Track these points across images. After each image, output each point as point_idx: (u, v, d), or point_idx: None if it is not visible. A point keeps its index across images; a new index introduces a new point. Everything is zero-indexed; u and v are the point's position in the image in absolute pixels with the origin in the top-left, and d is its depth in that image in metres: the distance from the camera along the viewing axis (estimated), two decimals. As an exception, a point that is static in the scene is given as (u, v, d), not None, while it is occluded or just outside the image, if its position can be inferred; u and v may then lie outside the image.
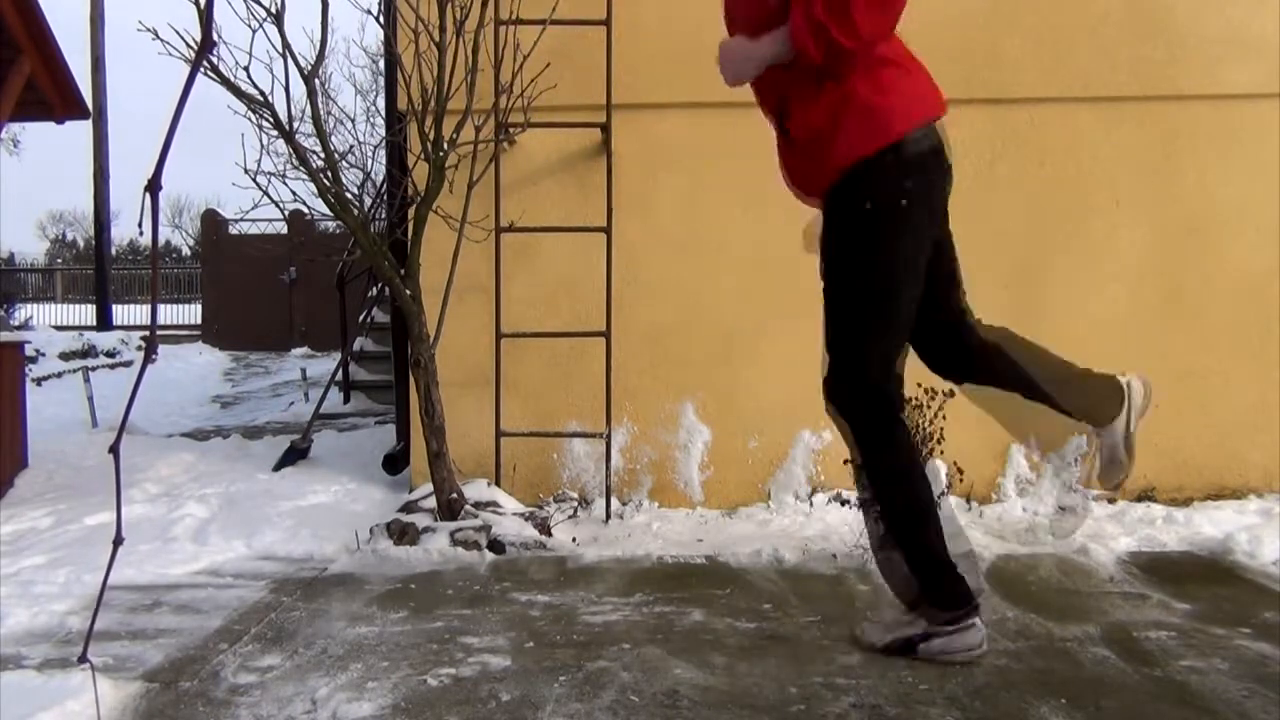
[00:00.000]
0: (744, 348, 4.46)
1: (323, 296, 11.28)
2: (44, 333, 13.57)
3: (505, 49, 4.07)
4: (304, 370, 11.12)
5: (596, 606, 3.06)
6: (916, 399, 3.73)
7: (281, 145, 4.06)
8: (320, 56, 3.93)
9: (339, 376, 8.00)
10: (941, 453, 3.83)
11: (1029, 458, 4.42)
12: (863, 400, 2.51)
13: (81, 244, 34.01)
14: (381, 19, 4.43)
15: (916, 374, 3.76)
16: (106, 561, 1.51)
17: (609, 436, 4.33)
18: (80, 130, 18.16)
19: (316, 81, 3.92)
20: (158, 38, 3.81)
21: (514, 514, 4.01)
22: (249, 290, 15.66)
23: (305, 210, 11.82)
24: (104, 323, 16.44)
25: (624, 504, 4.38)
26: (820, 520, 4.11)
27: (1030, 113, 4.44)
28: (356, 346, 8.54)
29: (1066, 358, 2.69)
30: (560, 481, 4.48)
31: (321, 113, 3.98)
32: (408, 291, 3.99)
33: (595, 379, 4.36)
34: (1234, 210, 4.43)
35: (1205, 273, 4.44)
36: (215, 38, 3.37)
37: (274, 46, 3.77)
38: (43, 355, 11.33)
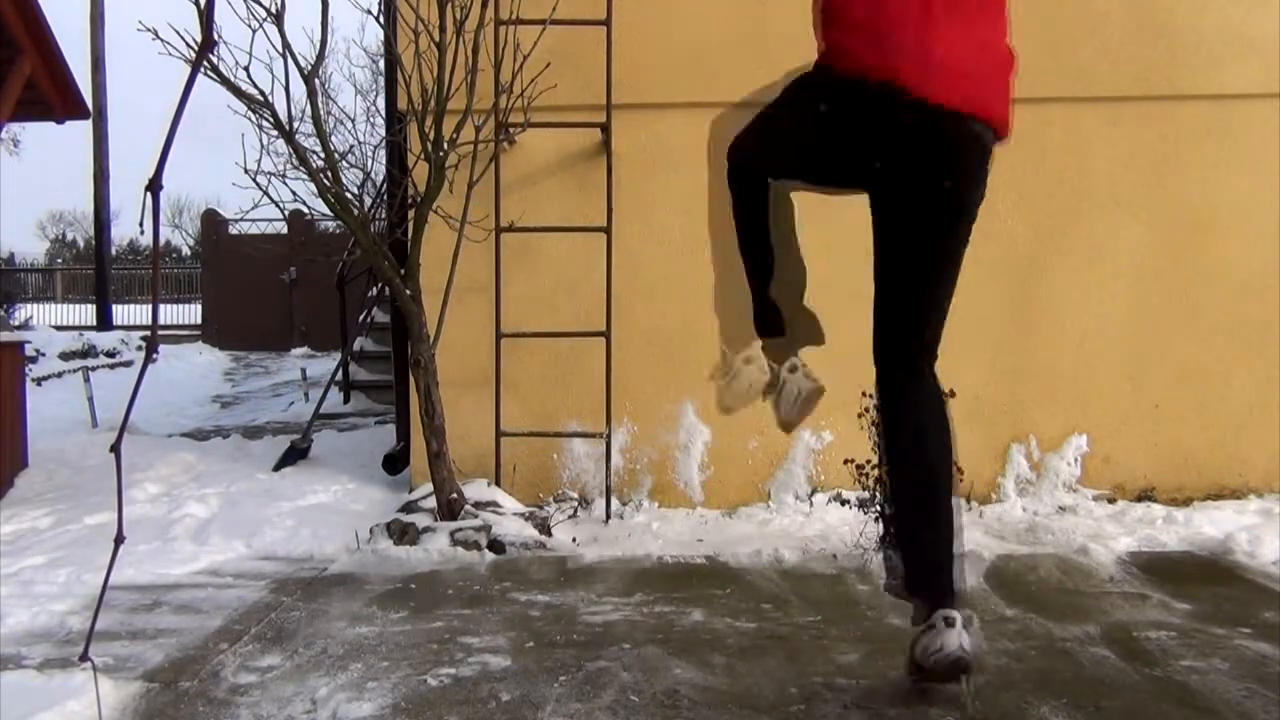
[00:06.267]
0: (744, 348, 4.45)
1: (323, 296, 11.26)
2: (44, 333, 13.52)
3: (505, 49, 4.07)
4: (304, 370, 11.09)
5: (596, 606, 3.06)
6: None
7: (281, 145, 4.07)
8: (320, 56, 3.94)
9: (339, 376, 7.99)
10: (941, 453, 3.82)
11: (1029, 457, 4.43)
12: None
13: (81, 244, 33.96)
14: (381, 19, 4.43)
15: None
16: (106, 562, 1.51)
17: (609, 436, 4.33)
18: (80, 130, 18.09)
19: (316, 81, 3.93)
20: (158, 38, 3.82)
21: (514, 514, 4.02)
22: (249, 290, 15.62)
23: (305, 210, 11.79)
24: (104, 323, 16.39)
25: (624, 504, 4.38)
26: (820, 520, 4.12)
27: (1030, 113, 4.42)
28: (356, 346, 8.53)
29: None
30: (560, 481, 4.48)
31: (321, 113, 3.98)
32: (408, 291, 3.99)
33: (595, 379, 4.36)
34: (1234, 210, 4.43)
35: (1205, 272, 4.45)
36: (215, 38, 3.37)
37: (274, 46, 3.79)
38: (43, 355, 11.29)
